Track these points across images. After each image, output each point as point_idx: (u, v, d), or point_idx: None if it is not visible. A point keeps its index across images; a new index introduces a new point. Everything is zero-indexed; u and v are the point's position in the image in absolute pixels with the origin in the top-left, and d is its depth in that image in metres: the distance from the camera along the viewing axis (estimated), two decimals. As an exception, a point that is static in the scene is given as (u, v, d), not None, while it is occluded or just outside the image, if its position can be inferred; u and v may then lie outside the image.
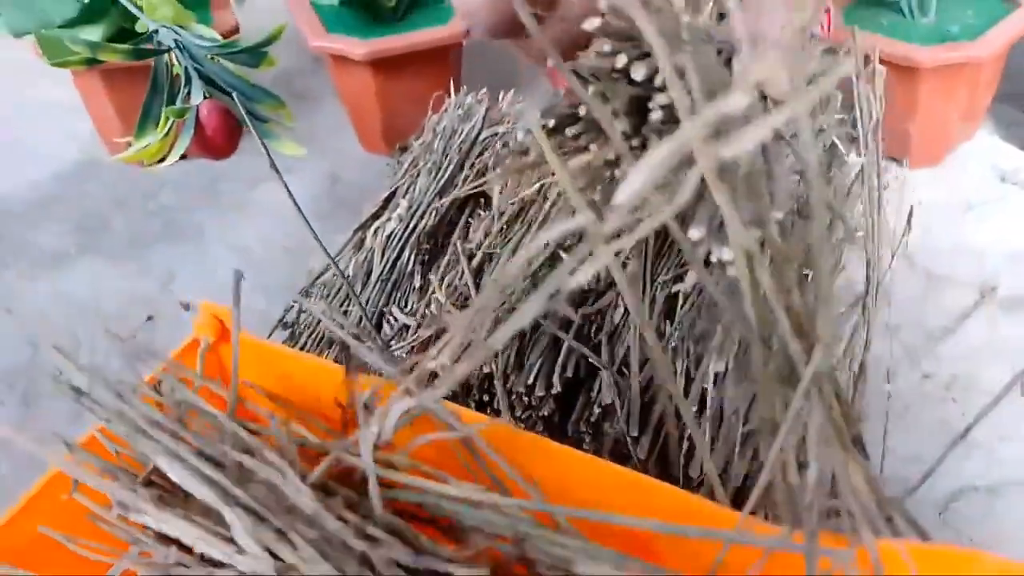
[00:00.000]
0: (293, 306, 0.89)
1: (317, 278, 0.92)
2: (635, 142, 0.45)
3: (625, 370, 0.65)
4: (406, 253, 0.90)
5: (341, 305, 0.86)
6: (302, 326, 0.86)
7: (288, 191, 0.65)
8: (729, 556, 0.41)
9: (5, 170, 1.22)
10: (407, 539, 0.44)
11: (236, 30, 1.10)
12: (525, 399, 0.63)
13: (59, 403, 0.85)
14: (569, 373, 0.63)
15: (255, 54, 0.81)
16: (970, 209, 1.06)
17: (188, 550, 0.45)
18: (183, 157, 0.82)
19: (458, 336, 0.41)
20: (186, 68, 0.77)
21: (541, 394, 0.62)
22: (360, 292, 0.88)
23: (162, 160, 0.79)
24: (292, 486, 0.43)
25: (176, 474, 0.44)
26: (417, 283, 0.88)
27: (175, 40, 0.77)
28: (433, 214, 0.92)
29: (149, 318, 0.96)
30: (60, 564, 0.48)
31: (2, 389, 0.87)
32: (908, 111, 1.08)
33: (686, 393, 0.62)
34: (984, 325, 0.91)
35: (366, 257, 0.92)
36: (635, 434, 0.61)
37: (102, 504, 0.47)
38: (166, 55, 0.78)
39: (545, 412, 0.63)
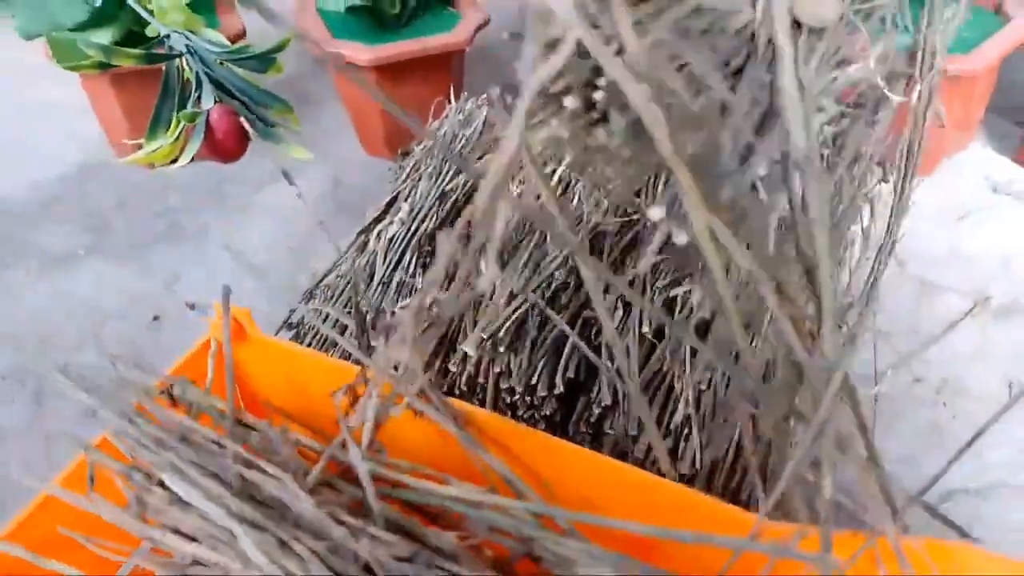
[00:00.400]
0: (297, 308, 0.90)
1: (320, 280, 0.93)
2: (595, 115, 0.39)
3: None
4: (408, 255, 0.91)
5: (345, 306, 0.87)
6: (307, 326, 0.87)
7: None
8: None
9: (10, 171, 1.23)
10: (409, 532, 0.45)
11: (242, 34, 1.11)
12: (527, 399, 0.65)
13: (69, 400, 0.86)
14: (571, 374, 0.65)
15: (264, 60, 0.82)
16: (963, 218, 1.08)
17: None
18: (191, 160, 0.83)
19: (409, 330, 0.42)
20: (197, 73, 0.78)
21: (543, 394, 0.64)
22: (363, 293, 0.90)
23: (174, 162, 0.80)
24: (292, 495, 0.44)
25: (181, 490, 0.45)
26: (419, 284, 0.90)
27: (186, 45, 0.78)
28: (434, 217, 0.94)
29: (155, 318, 0.97)
30: (75, 562, 0.48)
31: (13, 386, 0.88)
32: (902, 121, 1.09)
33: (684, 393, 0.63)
34: (975, 331, 0.93)
35: (369, 260, 0.94)
36: (634, 433, 0.63)
37: (118, 503, 0.48)
38: (177, 60, 0.80)
39: (547, 412, 0.65)
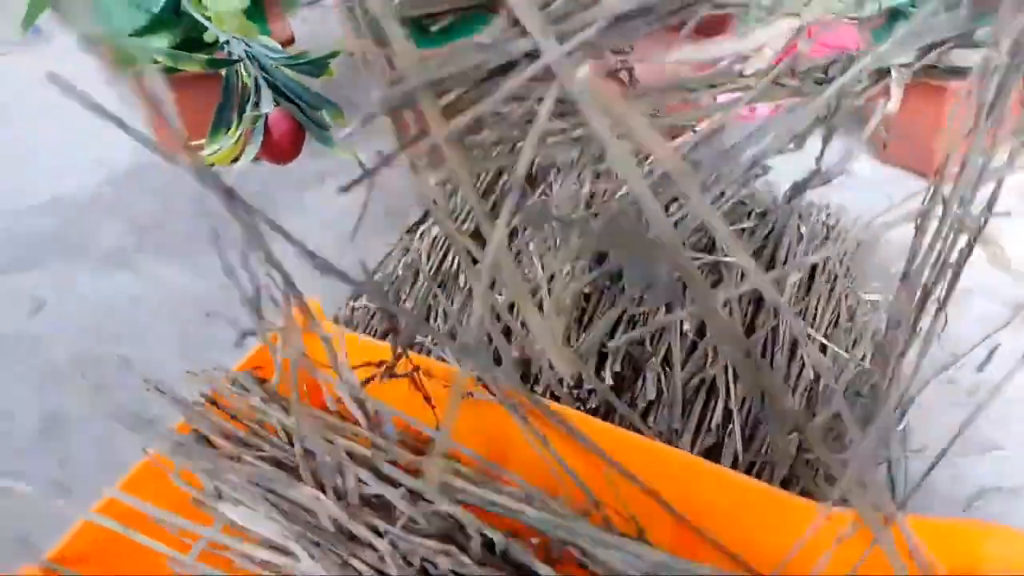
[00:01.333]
0: (346, 304, 0.93)
1: (366, 279, 0.97)
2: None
3: (668, 367, 0.69)
4: (450, 255, 0.94)
5: (394, 302, 0.91)
6: (356, 321, 0.90)
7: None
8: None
9: (64, 173, 1.27)
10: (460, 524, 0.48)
11: (291, 40, 1.14)
12: (574, 392, 0.67)
13: (127, 390, 0.90)
14: (617, 367, 0.67)
15: (318, 65, 0.86)
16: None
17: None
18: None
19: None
20: (255, 78, 0.81)
21: (591, 387, 0.66)
22: (408, 291, 0.93)
23: (234, 162, 0.84)
24: (332, 511, 0.47)
25: (239, 516, 0.48)
26: (462, 283, 0.93)
27: (245, 51, 0.82)
28: (474, 218, 0.97)
29: (207, 315, 1.00)
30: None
31: (74, 377, 0.92)
32: (934, 129, 1.11)
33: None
34: (1007, 334, 0.94)
35: (413, 259, 0.97)
36: (677, 427, 0.65)
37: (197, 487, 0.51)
38: (236, 64, 0.83)
39: (593, 405, 0.67)
